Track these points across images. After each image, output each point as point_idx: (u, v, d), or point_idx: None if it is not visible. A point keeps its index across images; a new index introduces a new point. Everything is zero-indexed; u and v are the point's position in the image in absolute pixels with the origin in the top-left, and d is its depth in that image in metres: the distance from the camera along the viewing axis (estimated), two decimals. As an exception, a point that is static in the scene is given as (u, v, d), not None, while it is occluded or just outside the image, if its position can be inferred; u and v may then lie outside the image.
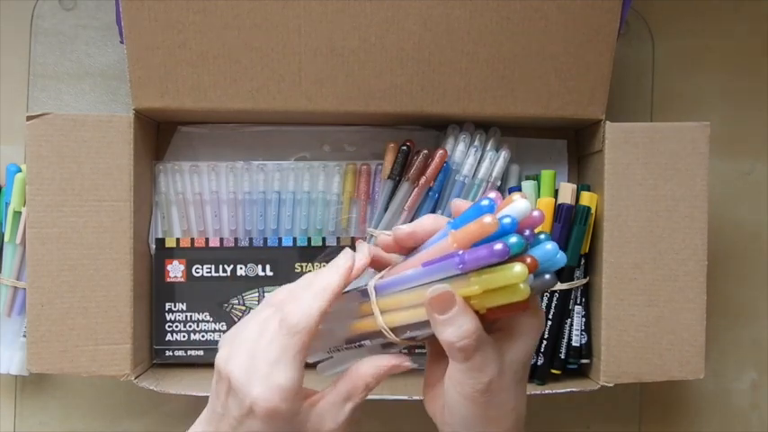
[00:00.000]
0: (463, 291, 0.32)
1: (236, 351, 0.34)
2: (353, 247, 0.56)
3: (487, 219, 0.30)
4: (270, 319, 0.35)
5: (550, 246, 0.32)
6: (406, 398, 0.51)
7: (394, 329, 0.35)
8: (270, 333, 0.34)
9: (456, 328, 0.32)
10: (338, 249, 0.57)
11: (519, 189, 0.56)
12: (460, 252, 0.31)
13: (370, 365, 0.35)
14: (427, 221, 0.35)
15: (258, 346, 0.34)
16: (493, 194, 0.33)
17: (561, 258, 0.32)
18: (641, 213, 0.53)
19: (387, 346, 0.37)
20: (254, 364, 0.33)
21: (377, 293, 0.35)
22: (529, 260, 0.30)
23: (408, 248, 0.36)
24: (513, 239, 0.30)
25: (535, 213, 0.32)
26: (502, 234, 0.30)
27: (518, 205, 0.31)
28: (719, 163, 0.62)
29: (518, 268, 0.30)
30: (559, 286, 0.55)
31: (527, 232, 0.32)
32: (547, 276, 0.32)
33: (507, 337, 0.34)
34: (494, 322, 0.35)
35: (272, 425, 0.33)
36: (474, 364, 0.33)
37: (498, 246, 0.29)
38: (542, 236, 0.33)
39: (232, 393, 0.34)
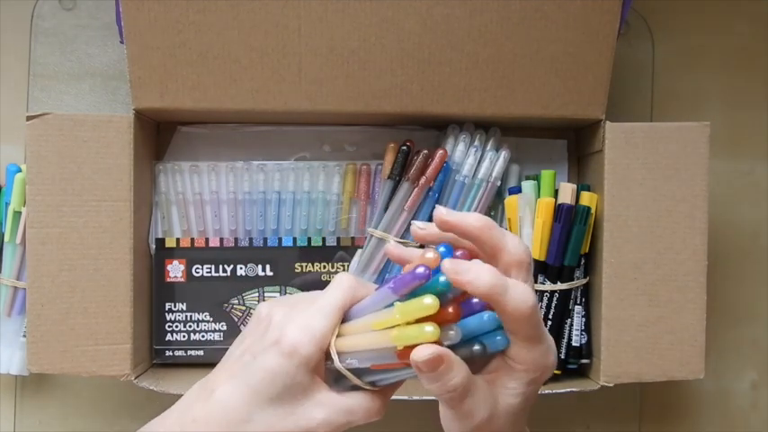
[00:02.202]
0: (389, 320, 0.32)
1: (283, 304, 0.37)
2: (353, 247, 0.56)
3: (420, 269, 0.31)
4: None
5: (487, 316, 0.32)
6: (405, 398, 0.51)
7: (342, 354, 0.35)
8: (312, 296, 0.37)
9: (444, 384, 0.32)
10: (338, 249, 0.57)
11: (519, 189, 0.56)
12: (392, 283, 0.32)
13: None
14: (473, 219, 0.35)
15: (300, 305, 0.37)
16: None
17: (501, 341, 0.33)
18: (641, 213, 0.53)
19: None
20: (296, 311, 0.36)
21: (349, 318, 0.36)
22: (451, 309, 0.31)
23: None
24: (443, 278, 0.31)
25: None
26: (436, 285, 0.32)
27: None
28: (719, 163, 0.62)
29: (428, 300, 0.30)
30: (559, 286, 0.55)
31: (476, 300, 0.33)
32: (475, 347, 0.32)
33: (504, 383, 0.34)
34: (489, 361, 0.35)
35: (288, 364, 0.34)
36: (460, 411, 0.33)
37: (420, 269, 0.30)
38: (487, 314, 0.33)
39: (265, 330, 0.36)
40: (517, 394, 0.34)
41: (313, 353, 0.34)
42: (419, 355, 0.31)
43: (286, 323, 0.35)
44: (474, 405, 0.33)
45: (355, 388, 0.36)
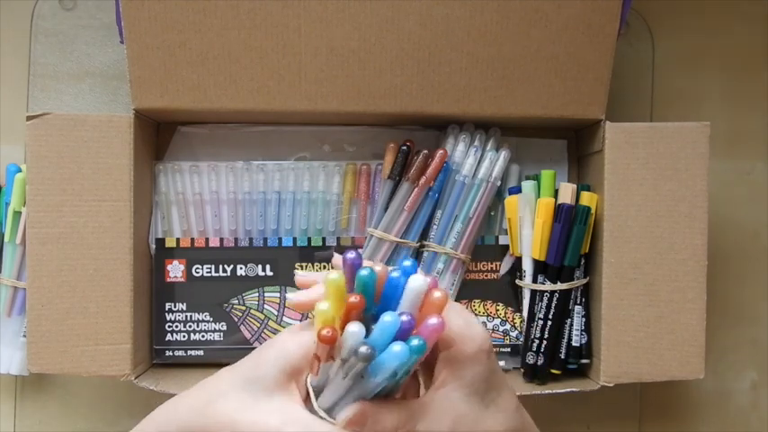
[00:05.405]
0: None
1: None
2: (353, 248, 0.56)
3: (350, 254, 0.31)
4: None
5: (390, 318, 0.30)
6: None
7: None
8: None
9: (382, 430, 0.33)
10: (338, 249, 0.57)
11: (519, 189, 0.56)
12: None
13: None
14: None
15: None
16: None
17: (401, 353, 0.29)
18: (641, 213, 0.53)
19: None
20: (300, 326, 0.37)
21: None
22: (355, 298, 0.30)
23: None
24: (363, 272, 0.30)
25: (433, 321, 0.30)
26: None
27: (413, 284, 0.31)
28: (719, 163, 0.62)
29: (322, 306, 0.30)
30: (559, 286, 0.55)
31: (406, 318, 0.30)
32: (362, 348, 0.29)
33: (450, 378, 0.34)
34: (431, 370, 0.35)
35: (272, 355, 0.35)
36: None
37: (350, 254, 0.31)
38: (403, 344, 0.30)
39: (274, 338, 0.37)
40: (469, 381, 0.34)
41: (295, 351, 0.35)
42: (342, 417, 0.33)
43: (289, 329, 0.37)
44: (430, 426, 0.33)
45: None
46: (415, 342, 0.29)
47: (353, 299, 0.30)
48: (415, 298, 0.31)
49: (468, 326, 0.34)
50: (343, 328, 0.30)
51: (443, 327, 0.30)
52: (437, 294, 0.31)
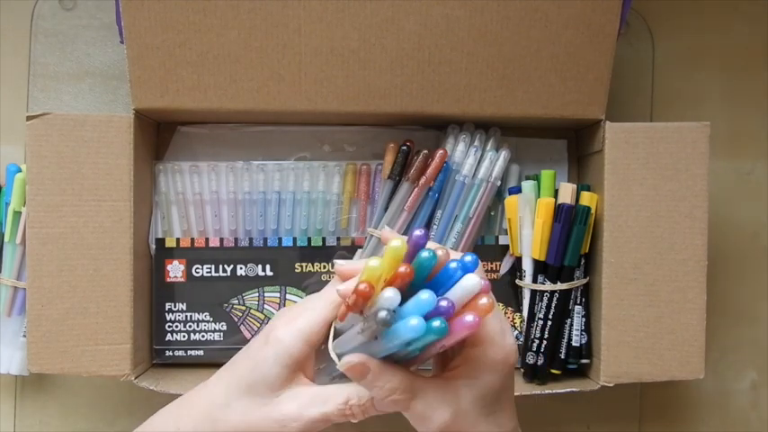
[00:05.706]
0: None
1: (288, 307, 0.40)
2: (353, 247, 0.56)
3: (396, 243, 0.30)
4: None
5: (426, 296, 0.30)
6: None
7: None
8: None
9: (379, 389, 0.32)
10: (339, 249, 0.57)
11: (519, 189, 0.56)
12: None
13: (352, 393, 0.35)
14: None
15: (298, 304, 0.38)
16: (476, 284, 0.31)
17: (421, 325, 0.29)
18: (641, 213, 0.53)
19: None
20: (293, 311, 0.37)
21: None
22: (405, 268, 0.30)
23: None
24: (425, 254, 0.30)
25: (469, 317, 0.30)
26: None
27: (466, 282, 0.30)
28: (719, 163, 0.62)
29: (396, 242, 0.30)
30: (559, 286, 0.55)
31: (446, 303, 0.30)
32: (382, 313, 0.29)
33: (466, 374, 0.34)
34: (451, 359, 0.35)
35: (270, 353, 0.35)
36: (415, 413, 0.33)
37: (418, 231, 0.31)
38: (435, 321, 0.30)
39: (264, 333, 0.37)
40: (483, 385, 0.34)
41: (294, 344, 0.35)
42: (346, 360, 0.32)
43: (279, 319, 0.37)
44: (427, 408, 0.33)
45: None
46: (436, 323, 0.29)
47: (403, 269, 0.30)
48: (462, 295, 0.31)
49: (503, 334, 0.34)
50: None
51: (476, 328, 0.30)
52: (484, 300, 0.31)
